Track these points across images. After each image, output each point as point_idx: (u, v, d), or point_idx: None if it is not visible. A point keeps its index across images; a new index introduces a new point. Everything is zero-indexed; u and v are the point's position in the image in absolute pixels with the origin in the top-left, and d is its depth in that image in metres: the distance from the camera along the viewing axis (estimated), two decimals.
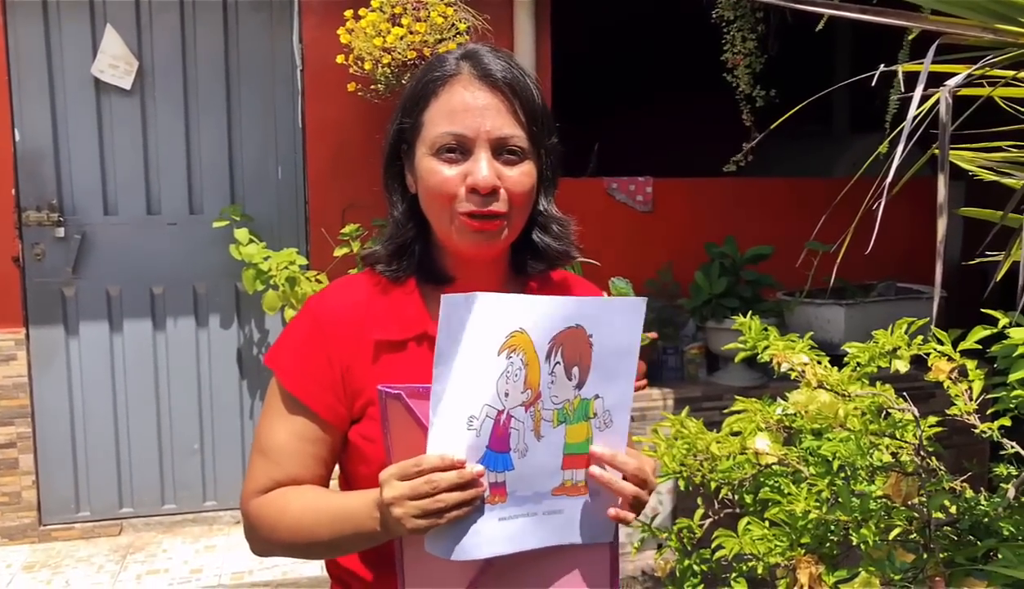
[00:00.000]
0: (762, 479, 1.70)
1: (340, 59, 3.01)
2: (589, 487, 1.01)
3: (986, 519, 1.43)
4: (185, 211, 3.40)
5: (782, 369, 1.54)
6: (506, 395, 0.94)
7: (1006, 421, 1.42)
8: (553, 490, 0.99)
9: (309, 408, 1.11)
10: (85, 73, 3.24)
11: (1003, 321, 1.40)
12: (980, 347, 1.43)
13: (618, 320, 1.00)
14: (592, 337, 0.98)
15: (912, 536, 1.44)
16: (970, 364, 1.47)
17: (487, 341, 0.92)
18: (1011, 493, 1.40)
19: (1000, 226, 1.10)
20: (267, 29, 3.39)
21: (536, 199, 1.14)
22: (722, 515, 1.80)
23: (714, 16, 3.24)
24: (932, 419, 1.58)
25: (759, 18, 3.21)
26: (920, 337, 1.52)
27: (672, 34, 4.88)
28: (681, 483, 1.75)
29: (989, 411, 1.45)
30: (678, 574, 1.74)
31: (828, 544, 1.51)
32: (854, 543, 1.47)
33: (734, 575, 1.66)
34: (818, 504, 1.53)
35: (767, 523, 1.61)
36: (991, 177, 1.31)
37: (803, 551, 1.50)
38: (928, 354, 1.48)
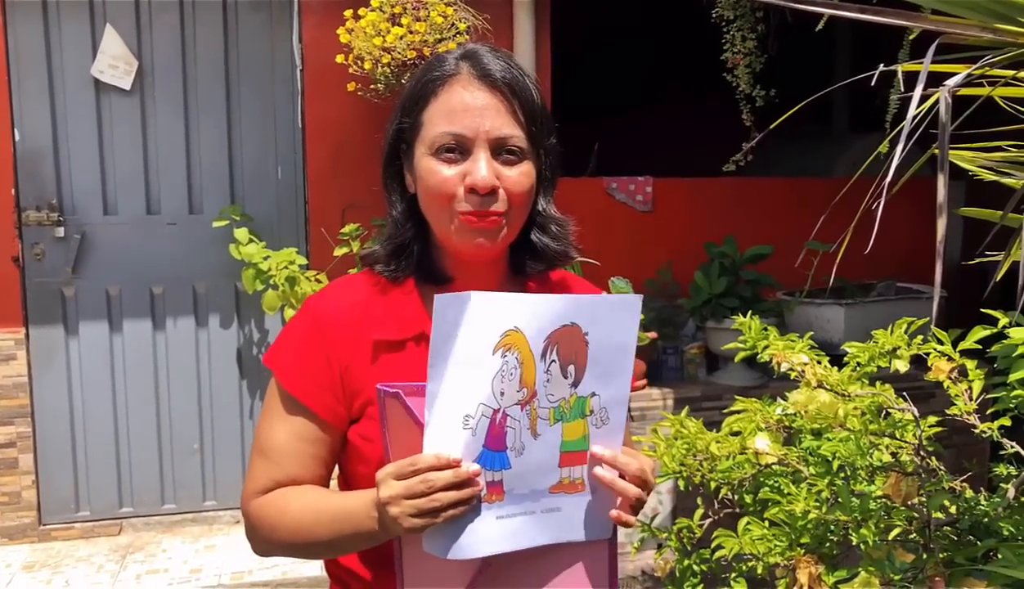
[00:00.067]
0: (762, 479, 1.70)
1: (340, 59, 3.01)
2: (587, 485, 1.01)
3: (986, 519, 1.43)
4: (185, 211, 3.40)
5: (782, 369, 1.54)
6: (502, 394, 0.94)
7: (1006, 421, 1.42)
8: (550, 488, 0.99)
9: (308, 408, 1.11)
10: (85, 73, 3.24)
11: (1003, 321, 1.40)
12: (980, 347, 1.43)
13: (613, 317, 1.00)
14: (587, 335, 0.98)
15: (912, 536, 1.44)
16: (970, 364, 1.47)
17: (482, 340, 0.92)
18: (1011, 493, 1.40)
19: (1000, 226, 1.10)
20: (267, 29, 3.39)
21: (535, 199, 1.14)
22: (722, 515, 1.80)
23: (714, 16, 3.24)
24: (932, 419, 1.58)
25: (759, 18, 3.21)
26: (920, 337, 1.52)
27: (672, 34, 4.88)
28: (681, 483, 1.75)
29: (989, 411, 1.45)
30: (678, 574, 1.74)
31: (828, 544, 1.51)
32: (854, 543, 1.47)
33: (734, 575, 1.66)
34: (818, 504, 1.53)
35: (767, 523, 1.61)
36: (991, 177, 1.31)
37: (803, 551, 1.50)
38: (928, 354, 1.48)
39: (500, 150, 1.07)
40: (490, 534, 0.95)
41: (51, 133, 3.24)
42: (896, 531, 1.41)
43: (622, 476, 1.02)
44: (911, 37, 2.39)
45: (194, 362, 3.45)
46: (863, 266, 3.23)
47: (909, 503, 1.45)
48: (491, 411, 0.94)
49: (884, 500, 1.48)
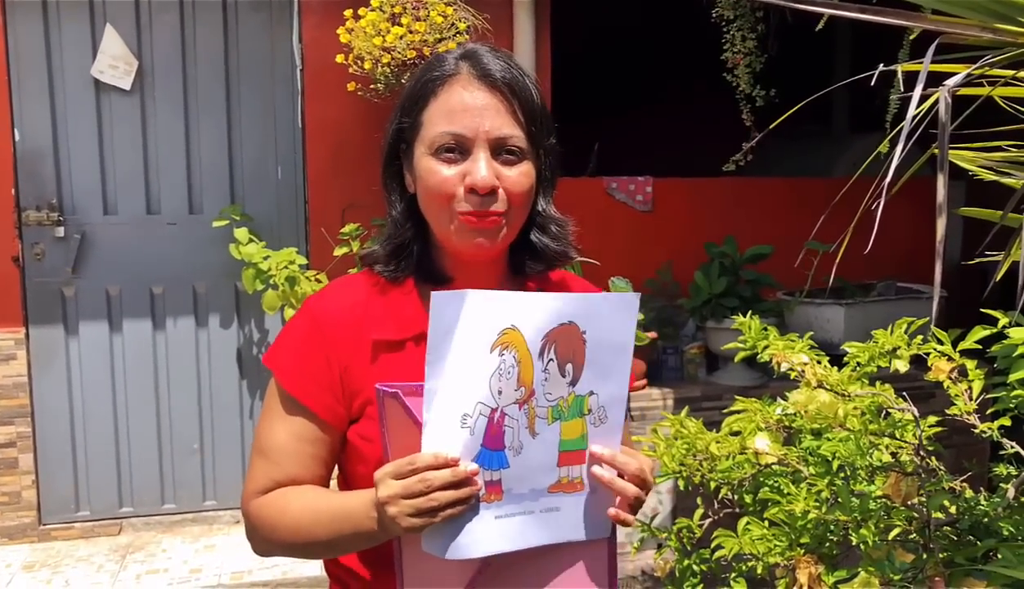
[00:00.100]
0: (762, 479, 1.70)
1: (340, 59, 3.01)
2: (586, 483, 1.01)
3: (986, 519, 1.43)
4: (185, 211, 3.40)
5: (782, 369, 1.54)
6: (499, 393, 0.94)
7: (1006, 421, 1.42)
8: (549, 487, 0.99)
9: (308, 408, 1.11)
10: (85, 73, 3.24)
11: (1003, 321, 1.40)
12: (980, 347, 1.43)
13: (611, 316, 1.00)
14: (585, 333, 0.98)
15: (912, 536, 1.44)
16: (970, 364, 1.47)
17: (479, 338, 0.92)
18: (1011, 493, 1.40)
19: (1000, 226, 1.10)
20: (267, 29, 3.39)
21: (535, 199, 1.14)
22: (722, 515, 1.80)
23: (714, 16, 3.24)
24: (932, 419, 1.58)
25: (759, 18, 3.20)
26: (920, 337, 1.52)
27: (672, 33, 4.88)
28: (681, 483, 1.75)
29: (989, 411, 1.45)
30: (678, 574, 1.74)
31: (828, 544, 1.51)
32: (854, 543, 1.47)
33: (733, 575, 1.66)
34: (818, 504, 1.53)
35: (767, 523, 1.61)
36: (991, 177, 1.31)
37: (802, 551, 1.50)
38: (928, 354, 1.48)
39: (500, 150, 1.07)
40: (489, 534, 0.95)
41: (51, 133, 3.24)
42: (896, 531, 1.41)
43: (621, 475, 1.02)
44: (911, 37, 2.39)
45: (194, 362, 3.45)
46: (863, 266, 3.24)
47: (909, 503, 1.45)
48: (489, 410, 0.93)
49: (884, 500, 1.48)
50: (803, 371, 1.51)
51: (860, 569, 1.35)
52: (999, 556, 1.27)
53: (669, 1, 3.97)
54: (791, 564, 1.48)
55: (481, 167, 1.05)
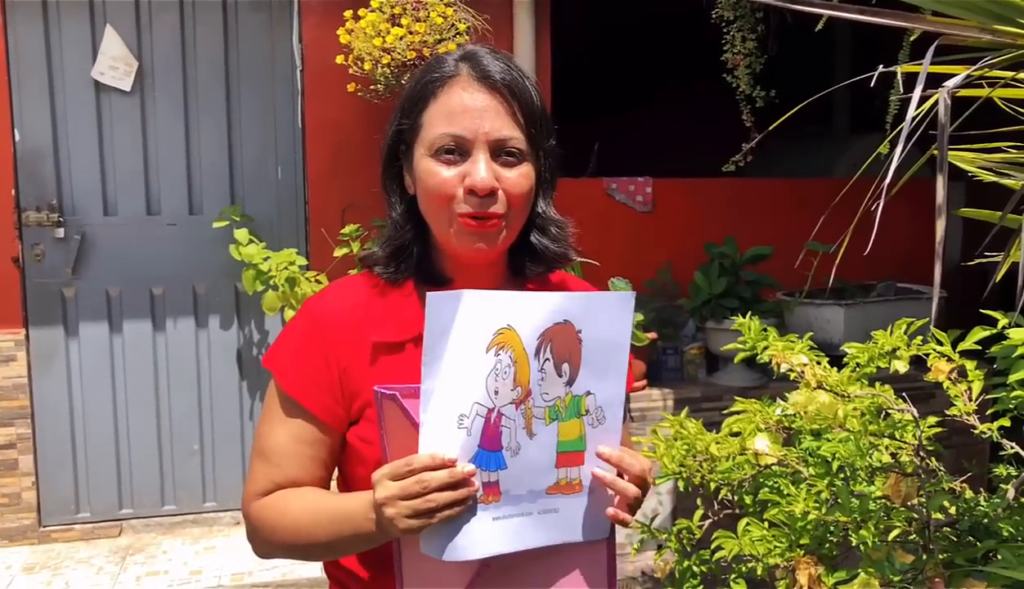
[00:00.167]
0: (761, 480, 1.70)
1: (340, 59, 3.01)
2: (584, 485, 1.01)
3: (986, 520, 1.43)
4: (185, 211, 3.40)
5: (782, 370, 1.54)
6: (496, 393, 0.94)
7: (1005, 422, 1.42)
8: (548, 489, 0.98)
9: (307, 410, 1.11)
10: (85, 73, 3.24)
11: (1002, 322, 1.40)
12: (980, 348, 1.43)
13: (607, 315, 0.99)
14: (581, 332, 0.98)
15: (911, 537, 1.44)
16: (969, 364, 1.47)
17: (474, 339, 0.92)
18: (1011, 494, 1.40)
19: (999, 227, 1.10)
20: (267, 29, 3.39)
21: (534, 201, 1.14)
22: (721, 516, 1.80)
23: (714, 16, 3.24)
24: (932, 420, 1.58)
25: (759, 18, 3.20)
26: (919, 337, 1.52)
27: (672, 34, 4.88)
28: (681, 484, 1.75)
29: (989, 412, 1.45)
30: (677, 575, 1.74)
31: (827, 545, 1.51)
32: (853, 544, 1.47)
33: (733, 576, 1.66)
34: (817, 505, 1.53)
35: (766, 524, 1.61)
36: (990, 178, 1.31)
37: (802, 552, 1.50)
38: (927, 354, 1.48)
39: (499, 152, 1.07)
40: (487, 535, 0.94)
41: (51, 133, 3.24)
42: (896, 532, 1.41)
43: (620, 476, 1.02)
44: (911, 38, 2.39)
45: (194, 363, 3.45)
46: (863, 267, 3.23)
47: (909, 504, 1.45)
48: (485, 410, 0.93)
49: (884, 501, 1.48)
50: (803, 372, 1.51)
51: (860, 570, 1.35)
52: (999, 557, 1.27)
53: (669, 2, 3.97)
54: (791, 565, 1.48)
55: (480, 168, 1.05)
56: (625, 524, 1.05)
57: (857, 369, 1.56)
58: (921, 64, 0.92)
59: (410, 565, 1.02)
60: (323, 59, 3.18)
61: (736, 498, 1.74)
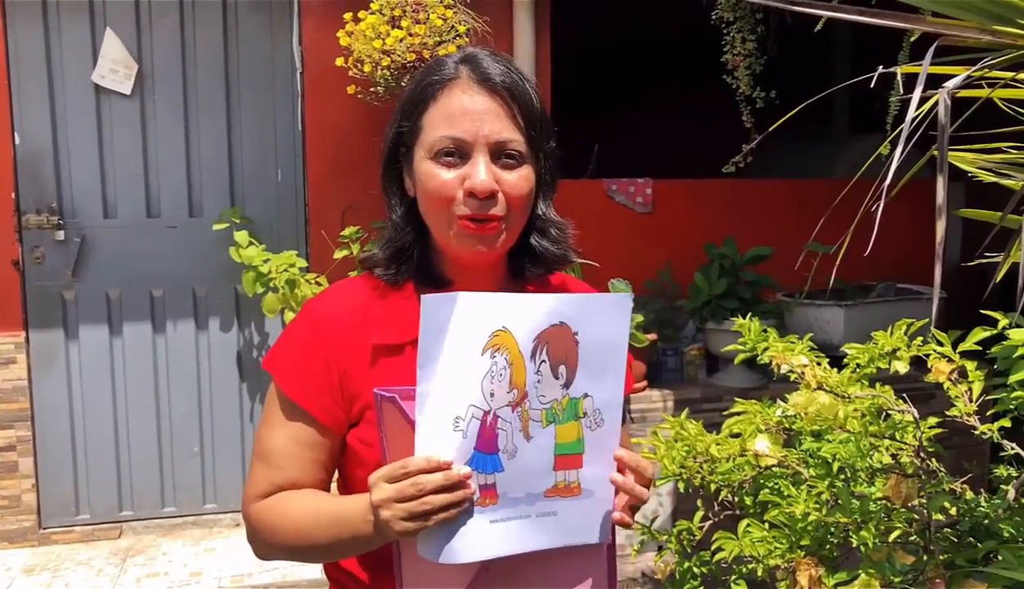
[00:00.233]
0: (762, 481, 1.69)
1: (340, 61, 3.01)
2: (584, 488, 1.00)
3: (986, 521, 1.43)
4: (185, 214, 3.40)
5: (782, 371, 1.54)
6: (491, 395, 0.93)
7: (1006, 422, 1.42)
8: (546, 492, 0.98)
9: (307, 412, 1.11)
10: (85, 75, 3.25)
11: (1003, 322, 1.40)
12: (980, 348, 1.43)
13: (603, 316, 0.99)
14: (577, 334, 0.97)
15: (912, 538, 1.43)
16: (970, 365, 1.47)
17: (470, 341, 0.92)
18: (1011, 495, 1.40)
19: (999, 227, 1.10)
20: (267, 31, 3.39)
21: (534, 203, 1.15)
22: (722, 517, 1.80)
23: (714, 17, 3.24)
24: (932, 420, 1.58)
25: (758, 19, 3.20)
26: (920, 338, 1.51)
27: (672, 35, 4.88)
28: (681, 485, 1.75)
29: (989, 412, 1.45)
30: (678, 576, 1.74)
31: (828, 546, 1.51)
32: (854, 545, 1.47)
33: (734, 577, 1.66)
34: (818, 506, 1.52)
35: (767, 525, 1.61)
36: (990, 178, 1.31)
37: (803, 553, 1.50)
38: (928, 355, 1.48)
39: (499, 154, 1.07)
40: (484, 538, 0.94)
41: (51, 136, 3.24)
42: (896, 533, 1.41)
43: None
44: (910, 39, 2.39)
45: (194, 365, 3.45)
46: (863, 267, 3.22)
47: (909, 505, 1.45)
48: (481, 413, 0.93)
49: (884, 502, 1.48)
50: (803, 373, 1.51)
51: (860, 571, 1.35)
52: (999, 558, 1.27)
53: (669, 3, 3.97)
54: (791, 566, 1.48)
55: (480, 171, 1.05)
56: (627, 526, 1.05)
57: (857, 370, 1.56)
58: (921, 65, 0.92)
59: (409, 567, 1.01)
60: (323, 61, 3.18)
61: (736, 499, 1.74)
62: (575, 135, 2.47)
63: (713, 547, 1.65)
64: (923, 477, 1.46)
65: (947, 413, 1.48)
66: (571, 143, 1.66)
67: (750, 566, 1.60)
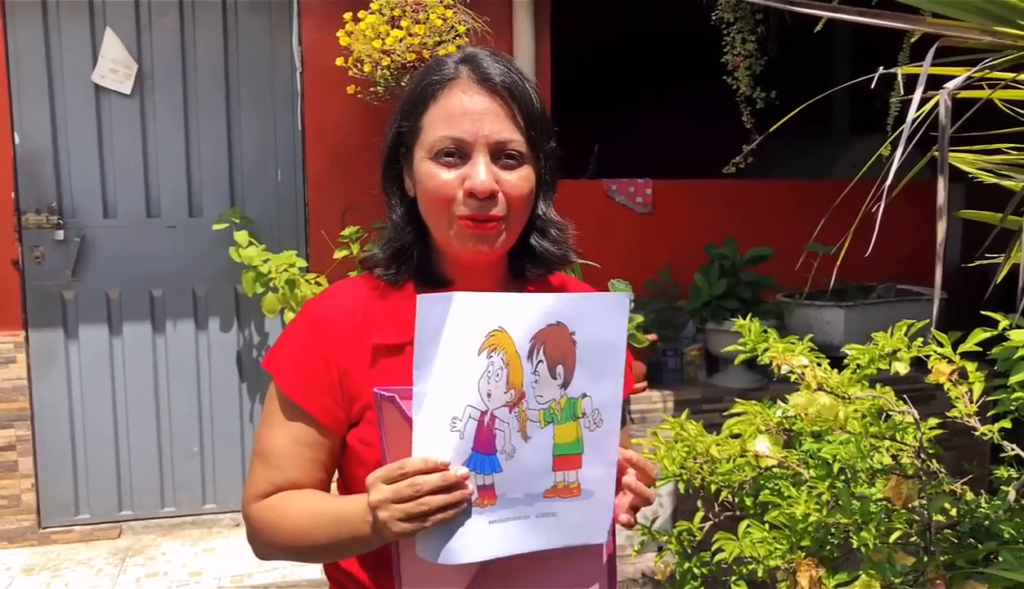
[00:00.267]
0: (762, 482, 1.69)
1: (339, 61, 3.01)
2: (583, 488, 1.00)
3: (987, 522, 1.42)
4: (185, 214, 3.40)
5: (782, 371, 1.54)
6: (488, 395, 0.93)
7: (1006, 423, 1.42)
8: (545, 492, 0.97)
9: (307, 412, 1.11)
10: (85, 75, 3.25)
11: (1003, 323, 1.40)
12: (980, 349, 1.43)
13: (600, 316, 0.99)
14: (575, 334, 0.97)
15: (912, 539, 1.43)
16: (970, 366, 1.47)
17: (466, 341, 0.91)
18: (1012, 496, 1.39)
19: (1000, 228, 1.09)
20: (266, 31, 3.39)
21: (535, 203, 1.14)
22: (722, 518, 1.80)
23: (714, 18, 3.24)
24: (932, 421, 1.58)
25: (759, 20, 3.21)
26: (920, 339, 1.51)
27: (672, 36, 4.88)
28: (681, 486, 1.75)
29: (989, 413, 1.45)
30: (678, 577, 1.74)
31: (828, 547, 1.51)
32: (854, 546, 1.47)
33: (734, 578, 1.66)
34: (818, 507, 1.52)
35: (767, 526, 1.61)
36: (991, 179, 1.31)
37: (803, 554, 1.50)
38: (928, 356, 1.48)
39: (499, 154, 1.07)
40: (482, 539, 0.94)
41: (51, 135, 3.24)
42: (897, 534, 1.41)
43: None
44: (911, 40, 2.39)
45: (194, 365, 3.45)
46: (863, 268, 3.22)
47: (910, 506, 1.45)
48: (478, 413, 0.93)
49: (885, 503, 1.48)
50: (803, 373, 1.51)
51: (861, 572, 1.35)
52: (1000, 559, 1.27)
53: (669, 3, 3.97)
54: (792, 567, 1.48)
55: (480, 171, 1.05)
56: (628, 527, 1.05)
57: (858, 371, 1.56)
58: (921, 66, 0.92)
59: (408, 567, 1.01)
60: (323, 61, 3.18)
61: (737, 500, 1.74)
62: (575, 135, 2.47)
63: (713, 548, 1.65)
64: (923, 478, 1.46)
65: (947, 414, 1.47)
66: (571, 143, 1.66)
67: (750, 567, 1.60)
